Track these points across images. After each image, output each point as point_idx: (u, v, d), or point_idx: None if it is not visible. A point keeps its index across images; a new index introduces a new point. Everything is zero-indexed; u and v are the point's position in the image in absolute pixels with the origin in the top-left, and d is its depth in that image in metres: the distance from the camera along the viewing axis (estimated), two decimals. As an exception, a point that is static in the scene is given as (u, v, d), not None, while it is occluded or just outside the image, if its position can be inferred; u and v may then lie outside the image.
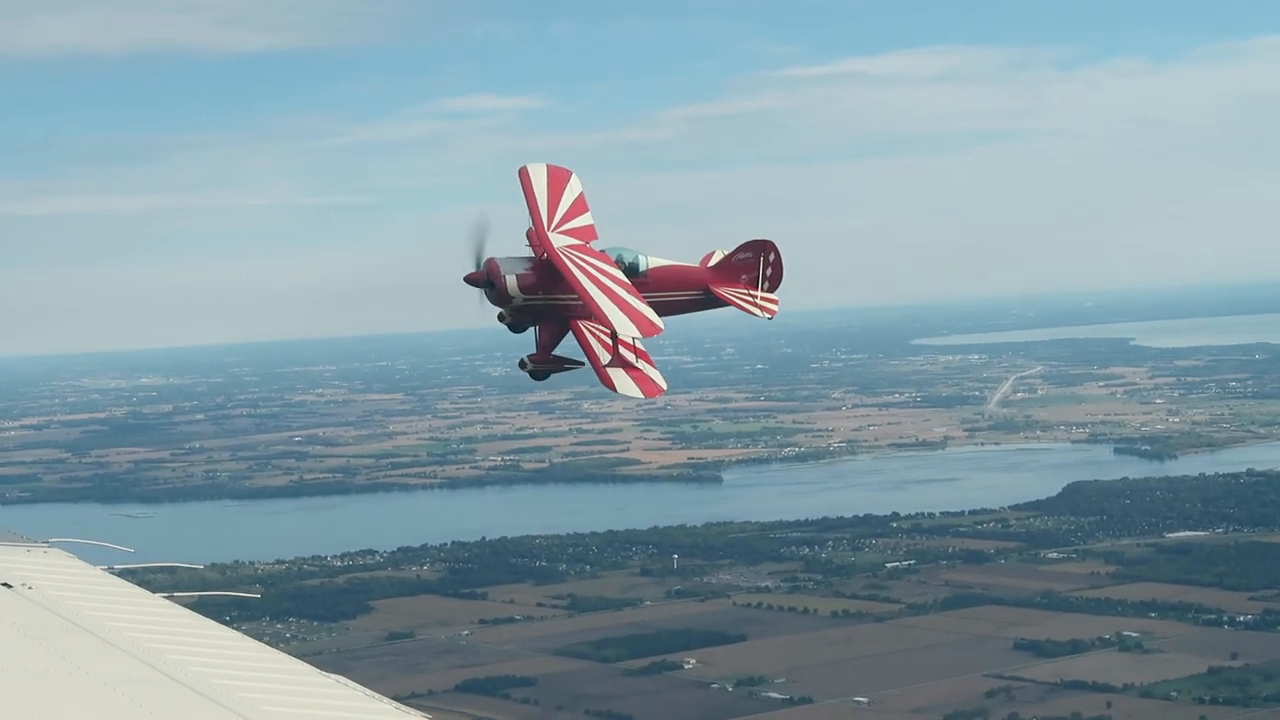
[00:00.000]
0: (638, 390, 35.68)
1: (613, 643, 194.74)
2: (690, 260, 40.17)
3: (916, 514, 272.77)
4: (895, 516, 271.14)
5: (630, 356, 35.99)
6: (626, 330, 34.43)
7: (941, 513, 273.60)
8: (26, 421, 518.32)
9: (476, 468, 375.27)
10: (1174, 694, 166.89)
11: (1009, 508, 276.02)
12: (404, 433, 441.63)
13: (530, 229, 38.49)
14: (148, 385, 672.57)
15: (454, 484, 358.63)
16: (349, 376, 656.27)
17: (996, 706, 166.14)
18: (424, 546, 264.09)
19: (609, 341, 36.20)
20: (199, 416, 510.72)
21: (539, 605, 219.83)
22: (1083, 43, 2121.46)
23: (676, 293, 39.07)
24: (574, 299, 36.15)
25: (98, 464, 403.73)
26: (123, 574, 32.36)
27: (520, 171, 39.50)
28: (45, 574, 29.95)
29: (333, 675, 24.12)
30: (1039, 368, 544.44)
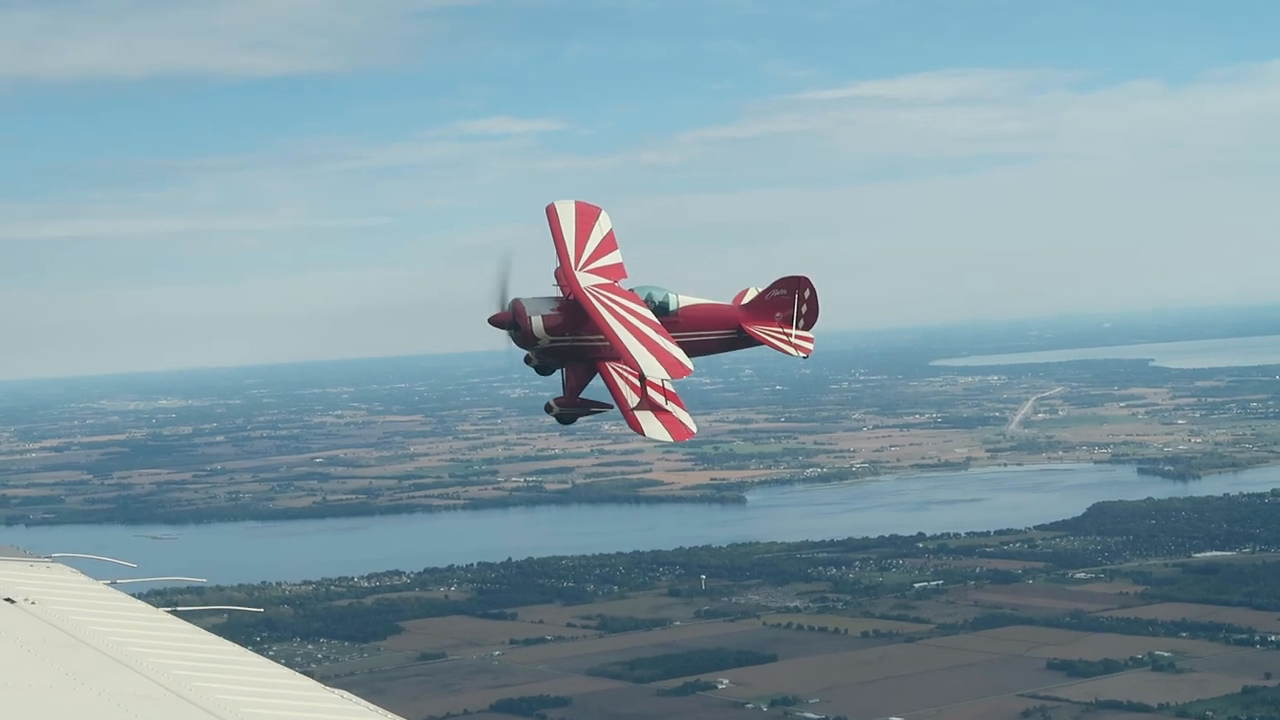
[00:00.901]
0: (666, 434, 34.92)
1: (645, 663, 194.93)
2: (722, 297, 39.56)
3: (942, 534, 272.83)
4: (921, 537, 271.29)
5: (659, 399, 35.17)
6: (654, 372, 33.69)
7: (967, 533, 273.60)
8: (47, 443, 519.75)
9: (499, 489, 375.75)
10: (1209, 714, 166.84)
11: (1034, 528, 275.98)
12: (425, 454, 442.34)
13: (558, 268, 37.77)
14: (166, 407, 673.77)
15: (477, 505, 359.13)
16: (368, 398, 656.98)
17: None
18: (450, 567, 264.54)
19: (637, 383, 35.35)
20: (219, 438, 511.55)
21: (569, 626, 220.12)
22: (1099, 66, 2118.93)
23: (709, 332, 38.30)
24: (602, 340, 35.45)
25: (120, 485, 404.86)
26: (128, 589, 32.07)
27: (548, 209, 38.68)
28: (48, 589, 29.64)
29: (337, 690, 24.12)
30: (1059, 388, 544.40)
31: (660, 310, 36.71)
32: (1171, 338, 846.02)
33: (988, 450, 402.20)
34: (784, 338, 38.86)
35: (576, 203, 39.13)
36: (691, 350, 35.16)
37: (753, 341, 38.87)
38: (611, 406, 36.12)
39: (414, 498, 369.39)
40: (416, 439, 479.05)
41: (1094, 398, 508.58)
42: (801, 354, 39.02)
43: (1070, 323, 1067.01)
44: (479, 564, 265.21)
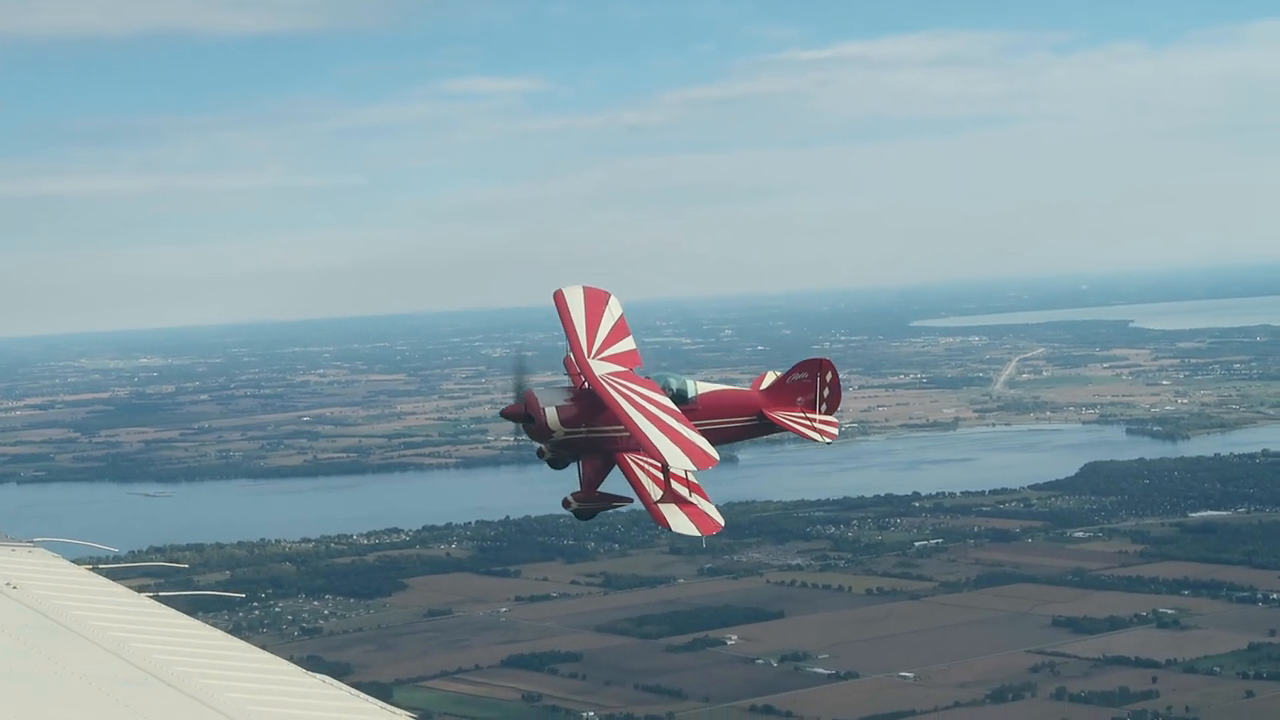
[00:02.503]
0: (694, 528, 33.83)
1: (653, 619, 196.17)
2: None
3: (938, 494, 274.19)
4: (916, 496, 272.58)
5: (683, 490, 33.92)
6: (679, 463, 32.15)
7: (962, 492, 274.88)
8: (30, 401, 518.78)
9: (490, 448, 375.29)
10: (1217, 669, 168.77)
11: (1029, 487, 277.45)
12: (412, 413, 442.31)
13: (567, 355, 36.56)
14: (148, 365, 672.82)
15: (469, 463, 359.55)
16: (349, 357, 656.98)
17: (1042, 681, 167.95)
18: (449, 525, 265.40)
19: (659, 475, 34.10)
20: (203, 397, 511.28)
21: (573, 583, 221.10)
22: (1080, 27, 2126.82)
23: (729, 419, 36.87)
24: (619, 431, 34.11)
25: (108, 444, 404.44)
26: (110, 572, 31.58)
27: (555, 295, 37.37)
28: (30, 574, 29.39)
29: (318, 675, 23.85)
30: (1041, 349, 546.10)
31: (679, 398, 35.35)
32: (1149, 299, 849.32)
33: (975, 410, 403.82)
34: (807, 423, 37.43)
35: (585, 288, 37.88)
36: (712, 439, 33.51)
37: (775, 427, 37.54)
38: (632, 500, 34.86)
39: (405, 456, 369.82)
40: (402, 398, 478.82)
41: (1076, 358, 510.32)
42: (827, 439, 37.64)
43: (1047, 284, 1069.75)
44: (477, 522, 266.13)
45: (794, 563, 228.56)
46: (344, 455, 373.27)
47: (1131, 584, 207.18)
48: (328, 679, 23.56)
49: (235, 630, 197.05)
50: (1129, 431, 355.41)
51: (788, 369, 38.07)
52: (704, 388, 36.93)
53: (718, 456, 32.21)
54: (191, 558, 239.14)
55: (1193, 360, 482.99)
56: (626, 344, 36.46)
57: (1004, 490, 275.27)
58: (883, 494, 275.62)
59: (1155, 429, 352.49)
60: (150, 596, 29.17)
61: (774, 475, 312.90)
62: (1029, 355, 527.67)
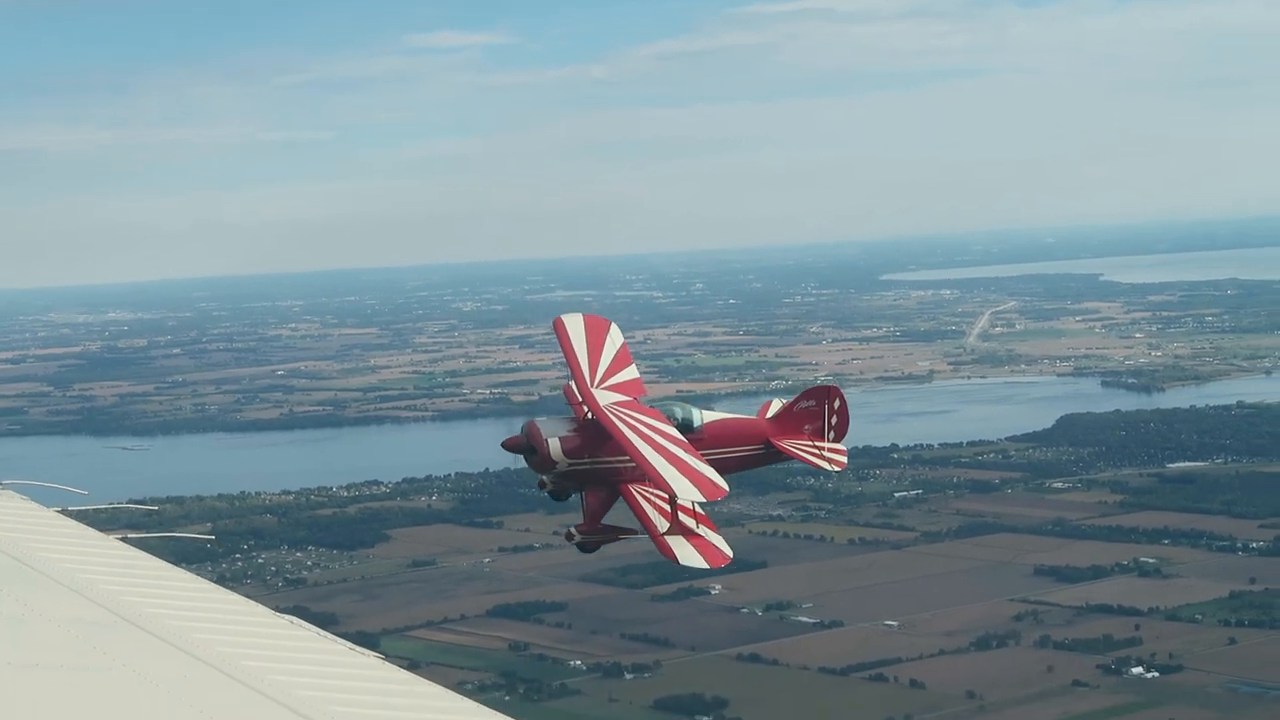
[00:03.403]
0: (702, 561, 33.04)
1: (637, 569, 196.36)
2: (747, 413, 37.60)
3: (915, 445, 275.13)
4: (895, 448, 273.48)
5: (690, 522, 33.22)
6: (688, 494, 31.21)
7: (940, 444, 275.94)
8: (1, 355, 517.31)
9: (466, 401, 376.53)
10: (1199, 617, 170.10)
11: (1006, 439, 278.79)
12: (386, 366, 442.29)
13: (568, 384, 35.91)
14: (117, 320, 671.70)
15: (445, 416, 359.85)
16: (319, 311, 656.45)
17: (1026, 629, 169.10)
18: (429, 477, 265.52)
19: (664, 507, 33.24)
20: (175, 351, 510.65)
21: (555, 534, 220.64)
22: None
23: (736, 449, 36.14)
24: (624, 461, 33.33)
25: (82, 398, 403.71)
26: (79, 515, 31.19)
27: (555, 323, 37.01)
28: None
29: (286, 616, 23.76)
30: (1013, 303, 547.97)
31: (684, 427, 34.40)
32: (1116, 252, 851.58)
33: (949, 363, 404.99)
34: (815, 451, 36.53)
35: (585, 316, 37.17)
36: (718, 468, 32.57)
37: (782, 456, 36.73)
38: (636, 532, 33.80)
39: (381, 409, 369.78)
40: (375, 352, 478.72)
41: (1048, 312, 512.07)
42: (836, 468, 37.01)
43: (1015, 236, 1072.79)
44: (457, 474, 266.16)
45: (775, 513, 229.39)
46: (320, 408, 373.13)
47: (1112, 534, 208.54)
48: (296, 620, 23.52)
49: (219, 581, 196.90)
50: (1104, 384, 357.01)
51: (794, 397, 37.13)
52: (710, 416, 36.03)
53: (727, 487, 31.40)
54: (172, 510, 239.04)
55: (1164, 313, 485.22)
56: (630, 372, 35.52)
57: (982, 442, 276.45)
58: (861, 445, 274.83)
59: (1130, 381, 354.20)
60: (120, 539, 28.96)
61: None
62: (1001, 308, 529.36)
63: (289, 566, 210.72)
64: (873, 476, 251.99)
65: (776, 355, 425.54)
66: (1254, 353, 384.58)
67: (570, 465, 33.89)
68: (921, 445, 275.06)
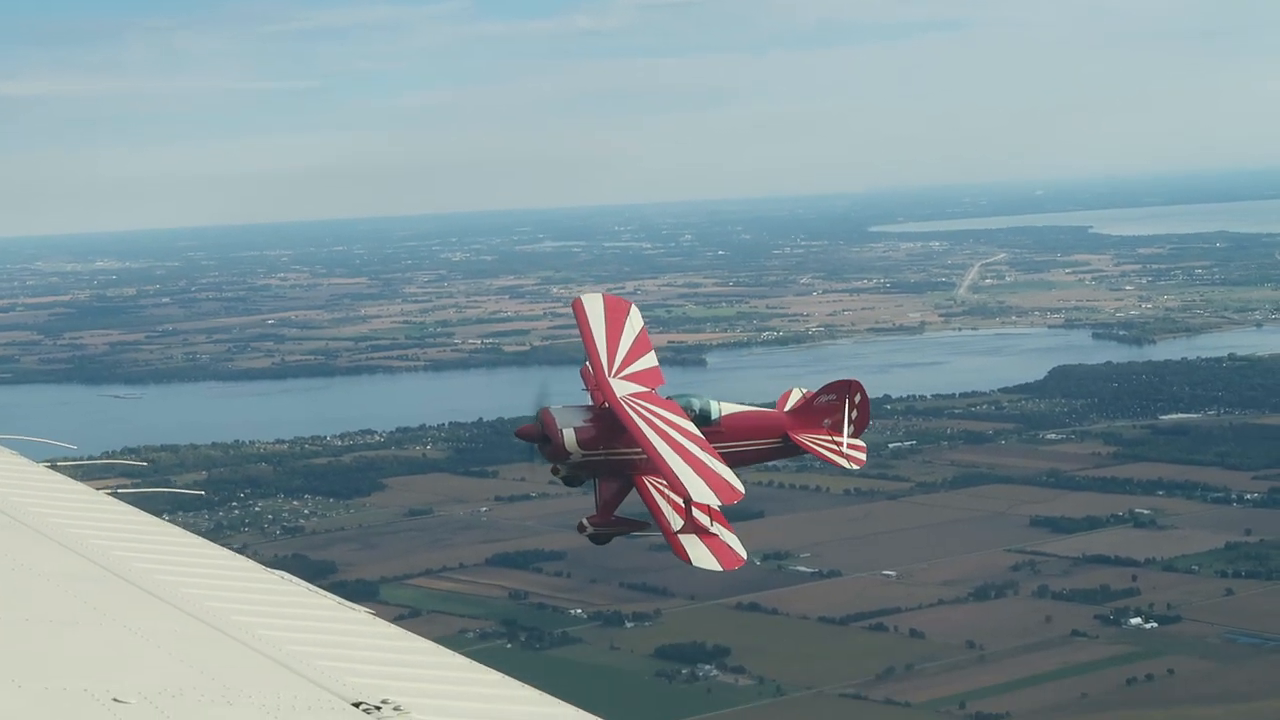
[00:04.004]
0: (715, 562, 32.16)
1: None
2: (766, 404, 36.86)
3: (908, 396, 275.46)
4: (888, 399, 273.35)
5: (705, 519, 32.48)
6: (704, 497, 30.72)
7: (933, 395, 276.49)
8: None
9: (457, 351, 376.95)
10: (1196, 568, 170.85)
11: (999, 390, 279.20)
12: (377, 316, 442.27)
13: (584, 365, 35.07)
14: (105, 269, 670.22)
15: (437, 366, 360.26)
16: (307, 261, 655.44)
17: (1024, 580, 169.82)
18: (423, 427, 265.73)
19: (680, 502, 32.49)
20: (165, 300, 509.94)
21: (551, 483, 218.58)
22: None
23: (753, 442, 35.68)
24: (639, 453, 32.76)
25: (73, 346, 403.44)
26: (71, 470, 30.83)
27: (575, 303, 35.75)
28: None
29: (276, 571, 23.57)
30: (1002, 254, 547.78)
31: (701, 419, 33.65)
32: (1105, 205, 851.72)
33: (940, 315, 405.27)
34: (835, 447, 36.24)
35: (605, 296, 36.03)
36: (735, 461, 32.52)
37: (800, 450, 36.29)
38: (649, 526, 33.41)
39: (372, 359, 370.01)
40: (365, 302, 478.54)
41: (1038, 264, 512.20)
42: (855, 465, 36.51)
43: (1004, 189, 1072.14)
44: (450, 424, 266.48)
45: (770, 464, 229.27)
46: (311, 358, 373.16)
47: (1106, 485, 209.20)
48: (286, 575, 23.31)
49: (216, 529, 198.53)
50: (1095, 336, 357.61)
51: (814, 391, 36.50)
52: (728, 409, 35.12)
53: (743, 490, 30.66)
54: (167, 458, 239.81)
55: (1154, 266, 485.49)
56: (648, 360, 34.47)
57: (974, 393, 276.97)
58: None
59: (1121, 333, 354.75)
60: (109, 494, 28.68)
61: (745, 377, 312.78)
62: (991, 260, 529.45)
63: (286, 515, 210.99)
64: (867, 427, 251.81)
65: (767, 306, 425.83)
66: (1244, 305, 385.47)
67: (585, 456, 33.33)
68: (915, 396, 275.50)
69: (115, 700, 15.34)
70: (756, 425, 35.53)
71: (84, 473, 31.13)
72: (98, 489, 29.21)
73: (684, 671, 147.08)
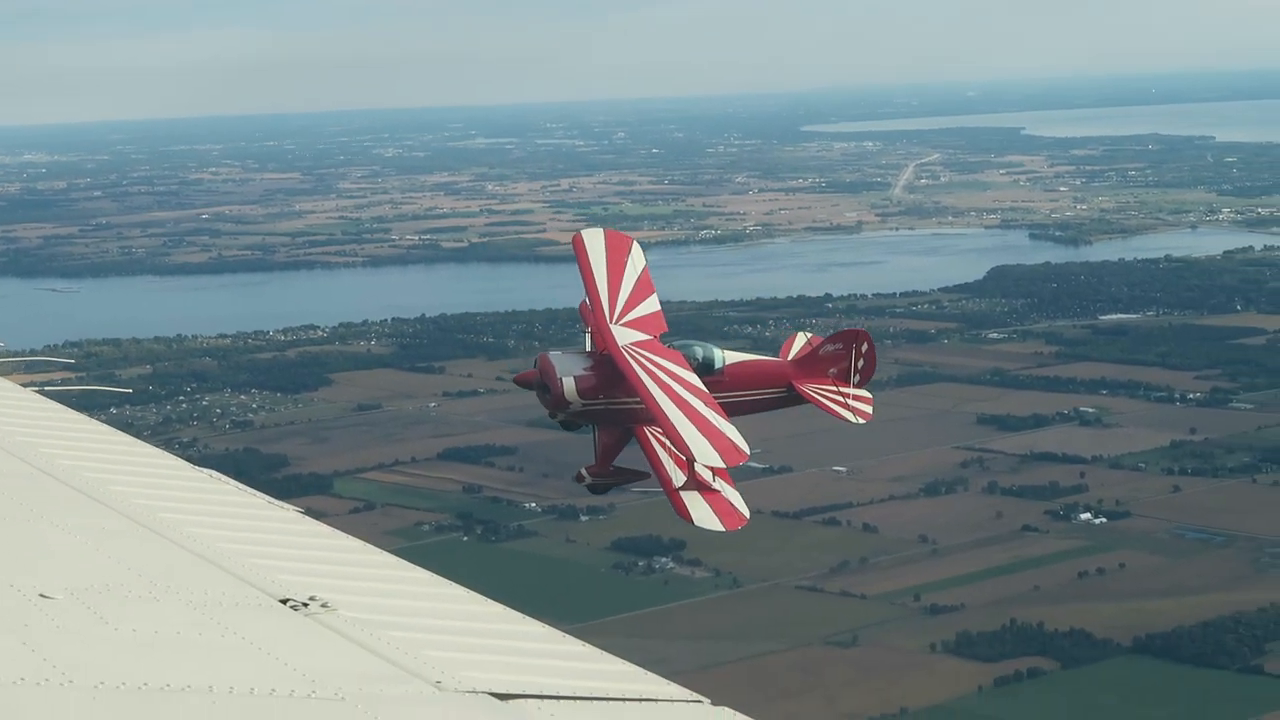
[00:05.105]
0: (718, 522, 31.19)
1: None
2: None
3: (849, 295, 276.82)
4: (829, 298, 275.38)
5: (707, 474, 31.26)
6: (709, 459, 29.76)
7: (874, 294, 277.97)
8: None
9: (395, 247, 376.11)
10: (1142, 465, 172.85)
11: (939, 290, 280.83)
12: (312, 211, 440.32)
13: (583, 302, 33.85)
14: (34, 162, 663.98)
15: (376, 262, 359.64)
16: (239, 155, 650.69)
17: (973, 476, 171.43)
18: (365, 323, 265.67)
19: (682, 456, 31.17)
20: (97, 194, 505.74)
21: (499, 379, 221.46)
22: None
23: (757, 391, 34.71)
24: (640, 404, 31.28)
25: (6, 239, 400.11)
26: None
27: (574, 239, 34.60)
28: None
29: (205, 470, 23.58)
30: (936, 155, 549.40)
31: (704, 368, 32.59)
32: (1037, 106, 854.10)
33: (877, 214, 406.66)
34: (840, 399, 35.34)
35: (606, 232, 34.80)
36: (737, 410, 31.71)
37: (803, 400, 35.18)
38: (649, 477, 32.16)
39: (310, 254, 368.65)
40: (300, 197, 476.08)
41: (972, 164, 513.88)
42: (860, 419, 35.58)
43: (935, 90, 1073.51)
44: (394, 319, 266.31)
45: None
46: (248, 253, 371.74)
47: (1050, 384, 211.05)
48: (215, 473, 23.23)
49: (165, 423, 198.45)
50: (1031, 236, 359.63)
51: (819, 339, 35.80)
52: (732, 358, 34.20)
53: (749, 451, 29.75)
54: (109, 352, 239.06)
55: (1088, 167, 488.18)
56: (651, 304, 33.22)
57: (914, 293, 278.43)
58: (795, 295, 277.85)
59: (1057, 234, 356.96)
60: (36, 391, 28.48)
61: (685, 275, 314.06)
62: (925, 161, 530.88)
63: (234, 409, 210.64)
64: (809, 325, 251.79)
65: (704, 205, 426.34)
66: (1178, 207, 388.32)
67: (585, 405, 32.01)
68: (855, 295, 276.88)
69: (42, 596, 15.19)
70: (760, 374, 34.80)
71: (25, 367, 31.34)
72: (27, 384, 29.16)
73: (640, 564, 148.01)
